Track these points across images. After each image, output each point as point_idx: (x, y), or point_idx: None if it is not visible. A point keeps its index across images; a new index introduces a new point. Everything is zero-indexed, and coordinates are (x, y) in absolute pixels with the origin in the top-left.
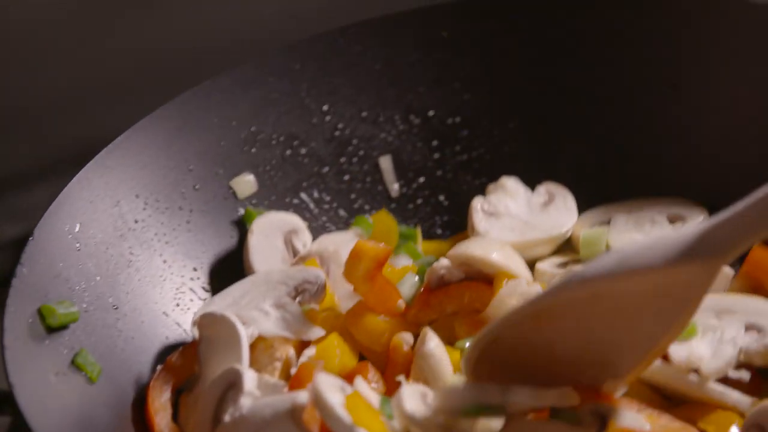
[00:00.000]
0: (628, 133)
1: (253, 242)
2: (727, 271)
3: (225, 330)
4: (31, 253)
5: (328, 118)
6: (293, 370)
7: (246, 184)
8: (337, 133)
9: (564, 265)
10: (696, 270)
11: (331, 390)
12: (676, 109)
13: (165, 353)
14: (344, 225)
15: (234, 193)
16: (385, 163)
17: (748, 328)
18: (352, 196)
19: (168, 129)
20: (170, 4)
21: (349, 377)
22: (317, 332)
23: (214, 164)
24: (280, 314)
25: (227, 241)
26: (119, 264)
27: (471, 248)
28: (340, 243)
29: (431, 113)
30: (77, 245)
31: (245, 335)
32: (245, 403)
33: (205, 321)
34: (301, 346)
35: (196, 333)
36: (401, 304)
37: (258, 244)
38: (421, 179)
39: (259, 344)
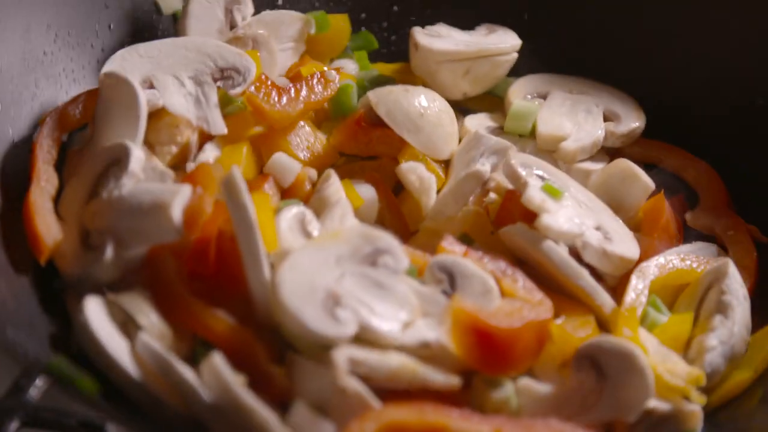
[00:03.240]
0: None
1: (193, 6)
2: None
3: (126, 96)
4: None
5: None
6: (189, 165)
7: None
8: None
9: (493, 130)
10: None
11: (243, 182)
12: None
13: None
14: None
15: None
16: None
17: (601, 230)
18: None
19: None
20: None
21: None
22: (222, 128)
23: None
24: (194, 91)
25: None
26: (23, 96)
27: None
28: (278, 25)
29: None
30: None
31: (145, 109)
32: (126, 183)
33: (110, 80)
34: (204, 137)
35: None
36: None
37: (198, 8)
38: None
39: (165, 117)
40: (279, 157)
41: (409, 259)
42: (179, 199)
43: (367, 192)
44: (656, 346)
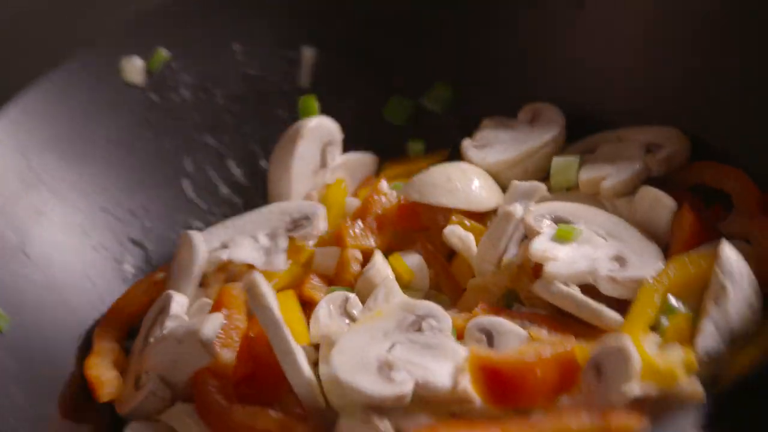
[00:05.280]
0: None
1: (300, 147)
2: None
3: (186, 249)
4: None
5: None
6: None
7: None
8: None
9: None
10: None
11: (265, 284)
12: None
13: None
14: None
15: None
16: None
17: (618, 258)
18: None
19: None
20: None
21: None
22: (283, 264)
23: None
24: (268, 244)
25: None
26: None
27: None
28: (357, 167)
29: None
30: None
31: (202, 255)
32: (169, 325)
33: (180, 240)
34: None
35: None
36: None
37: (305, 150)
38: None
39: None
40: (319, 253)
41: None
42: (209, 324)
43: (414, 261)
44: (656, 343)
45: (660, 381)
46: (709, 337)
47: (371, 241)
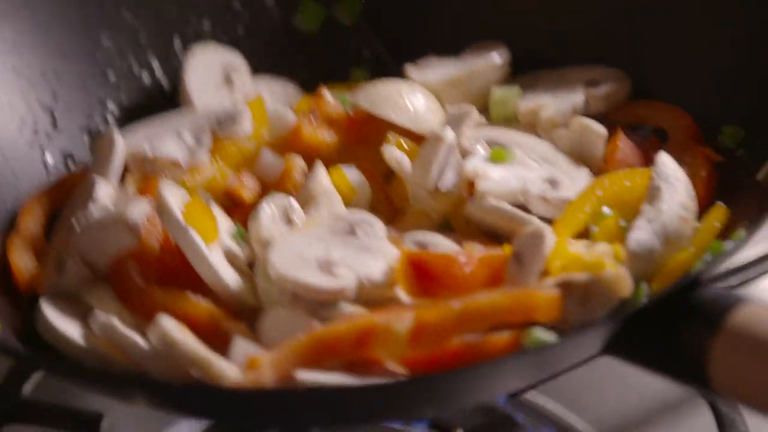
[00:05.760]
0: None
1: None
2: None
3: (107, 142)
4: None
5: None
6: None
7: None
8: None
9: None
10: None
11: (173, 194)
12: None
13: None
14: None
15: None
16: None
17: (550, 180)
18: None
19: None
20: None
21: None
22: (206, 159)
23: None
24: (192, 142)
25: None
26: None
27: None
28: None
29: None
30: None
31: (121, 150)
32: (93, 210)
33: (100, 137)
34: None
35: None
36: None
37: (200, 67)
38: None
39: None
40: (265, 155)
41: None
42: (136, 210)
43: (356, 179)
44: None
45: (586, 269)
46: (641, 230)
47: (327, 137)
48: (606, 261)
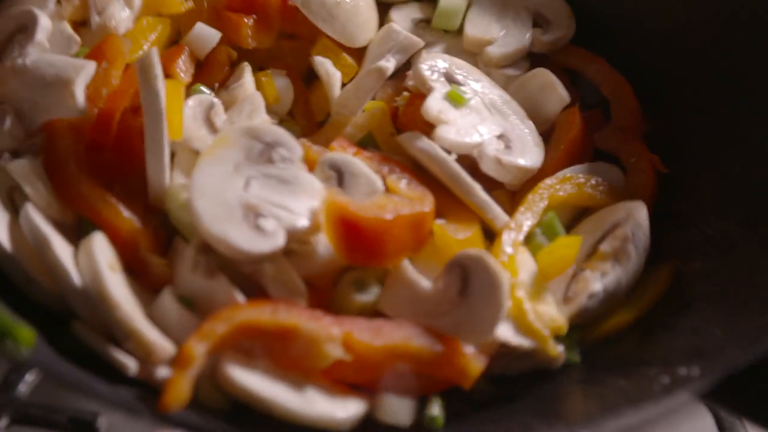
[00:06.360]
0: None
1: None
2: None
3: None
4: None
5: None
6: (94, 19)
7: None
8: None
9: (419, 23)
10: None
11: (159, 68)
12: None
13: None
14: None
15: None
16: None
17: (503, 138)
18: None
19: None
20: None
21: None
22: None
23: None
24: None
25: None
26: None
27: None
28: None
29: None
30: None
31: None
32: (31, 52)
33: None
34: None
35: None
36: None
37: None
38: None
39: None
40: (200, 28)
41: (304, 151)
42: (83, 76)
43: (281, 84)
44: (531, 275)
45: (529, 335)
46: (596, 301)
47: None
48: (546, 335)
